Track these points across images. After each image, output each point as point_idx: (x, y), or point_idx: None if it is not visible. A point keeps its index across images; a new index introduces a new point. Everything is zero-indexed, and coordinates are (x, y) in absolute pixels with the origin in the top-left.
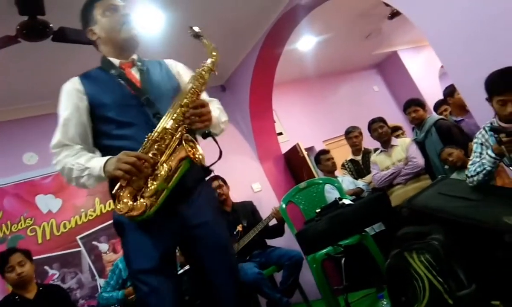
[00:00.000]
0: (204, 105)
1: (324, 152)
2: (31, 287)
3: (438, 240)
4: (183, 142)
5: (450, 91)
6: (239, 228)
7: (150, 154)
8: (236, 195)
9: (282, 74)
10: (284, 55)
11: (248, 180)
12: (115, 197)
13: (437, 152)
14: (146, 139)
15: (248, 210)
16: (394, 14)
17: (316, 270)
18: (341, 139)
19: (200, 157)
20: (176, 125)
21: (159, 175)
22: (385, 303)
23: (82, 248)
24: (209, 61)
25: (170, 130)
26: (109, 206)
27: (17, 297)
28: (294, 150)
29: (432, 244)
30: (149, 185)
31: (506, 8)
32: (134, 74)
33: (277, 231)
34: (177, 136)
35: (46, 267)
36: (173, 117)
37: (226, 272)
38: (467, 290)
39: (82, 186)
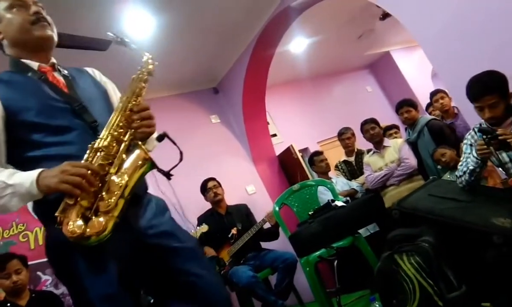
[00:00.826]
0: (148, 108)
1: (318, 153)
2: (24, 294)
3: (428, 242)
4: (139, 145)
5: (430, 99)
6: (234, 231)
7: (96, 165)
8: (231, 197)
9: (275, 76)
10: (276, 57)
11: (242, 183)
12: (57, 219)
13: (429, 153)
14: (89, 149)
15: (242, 213)
16: (386, 14)
17: (309, 273)
18: (335, 140)
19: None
20: (122, 131)
21: (113, 186)
22: (377, 305)
23: None
24: (150, 66)
25: (116, 137)
26: None
27: (9, 304)
28: (288, 151)
29: (422, 246)
30: (102, 200)
31: (496, 9)
32: (58, 78)
33: (272, 234)
34: (126, 142)
35: (39, 273)
36: (118, 123)
37: (208, 270)
38: (457, 292)
39: (2, 209)
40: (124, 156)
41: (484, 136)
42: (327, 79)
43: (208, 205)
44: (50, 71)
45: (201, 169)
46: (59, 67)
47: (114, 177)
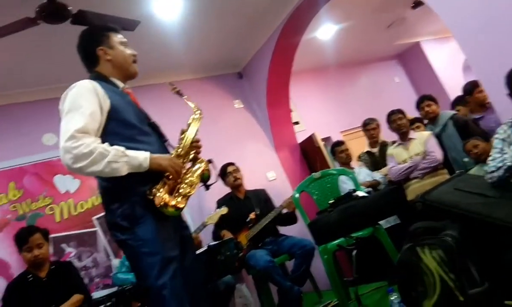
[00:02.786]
0: (199, 141)
1: (339, 143)
2: (44, 267)
3: (452, 236)
4: (205, 161)
5: (469, 89)
6: (252, 215)
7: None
8: (251, 183)
9: (300, 62)
10: (302, 43)
11: (262, 169)
12: (151, 191)
13: (454, 145)
14: (174, 152)
15: (261, 198)
16: (418, 3)
17: (327, 261)
18: (359, 130)
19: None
20: (189, 149)
21: (187, 180)
22: (395, 297)
23: (98, 228)
24: (197, 114)
25: (188, 152)
26: None
27: (30, 275)
28: (310, 140)
29: (445, 240)
30: (183, 188)
31: None
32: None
33: (290, 219)
34: (190, 157)
35: (63, 245)
36: (189, 144)
37: (202, 272)
38: (479, 288)
39: (109, 172)
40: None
41: None
42: (354, 68)
43: (226, 190)
44: (131, 93)
45: (223, 154)
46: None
47: (188, 175)
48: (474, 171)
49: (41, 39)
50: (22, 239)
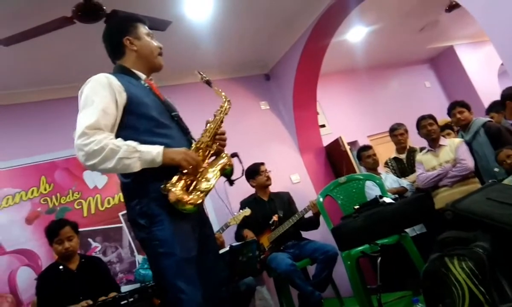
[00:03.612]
0: (225, 133)
1: (366, 148)
2: (74, 259)
3: (483, 248)
4: (227, 155)
5: (508, 95)
6: (275, 218)
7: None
8: (274, 185)
9: (328, 64)
10: (332, 45)
11: (287, 171)
12: (165, 186)
13: (485, 155)
14: (194, 145)
15: (285, 201)
16: (453, 6)
17: (350, 267)
18: (387, 135)
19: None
20: (210, 142)
21: (208, 175)
22: None
23: (123, 224)
24: (226, 105)
25: (209, 145)
26: None
27: (61, 267)
28: (336, 143)
29: (476, 251)
30: (201, 182)
31: None
32: (159, 92)
33: (312, 223)
34: (212, 150)
35: (90, 239)
36: (210, 137)
37: (224, 272)
38: (510, 304)
39: (121, 168)
40: (214, 158)
41: None
42: (384, 71)
43: (250, 190)
44: (153, 86)
45: (247, 154)
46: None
47: (208, 169)
48: (507, 181)
49: (75, 37)
50: (53, 232)
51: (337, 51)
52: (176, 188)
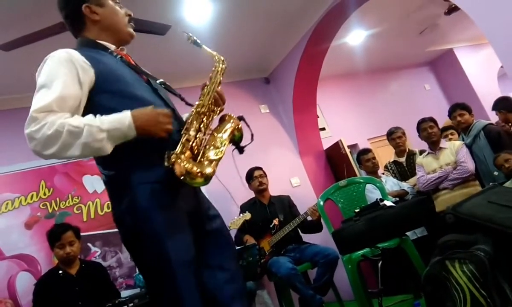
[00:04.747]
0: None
1: (365, 151)
2: (74, 264)
3: (485, 251)
4: (234, 118)
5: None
6: (275, 221)
7: (196, 123)
8: (274, 188)
9: (328, 67)
10: (331, 48)
11: (287, 174)
12: (169, 158)
13: (485, 158)
14: (194, 109)
15: (285, 204)
16: (452, 9)
17: (351, 271)
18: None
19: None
20: (213, 106)
21: (215, 141)
22: None
23: None
24: (221, 65)
25: (211, 107)
26: None
27: (60, 272)
28: (336, 146)
29: (477, 254)
30: (209, 150)
31: None
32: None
33: (315, 226)
34: (216, 114)
35: (89, 244)
36: (210, 100)
37: (237, 271)
38: None
39: (90, 154)
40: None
41: None
42: (383, 74)
43: (251, 194)
44: (127, 56)
45: (247, 158)
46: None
47: (216, 134)
48: (508, 184)
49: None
50: (55, 236)
51: (337, 54)
52: (182, 159)
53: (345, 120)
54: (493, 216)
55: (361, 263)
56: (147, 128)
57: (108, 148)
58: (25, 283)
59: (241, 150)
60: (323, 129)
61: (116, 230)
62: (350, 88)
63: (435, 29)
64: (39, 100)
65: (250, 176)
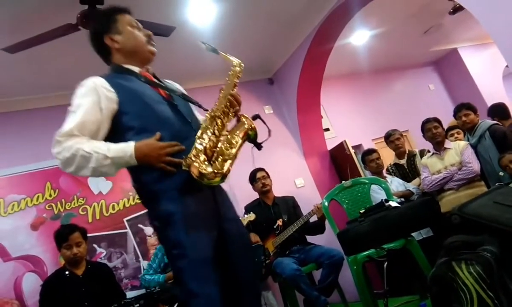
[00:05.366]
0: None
1: (370, 152)
2: (81, 265)
3: (491, 252)
4: (248, 118)
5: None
6: (279, 222)
7: (210, 127)
8: (279, 189)
9: (332, 68)
10: (335, 49)
11: (291, 175)
12: (185, 162)
13: (490, 158)
14: (208, 115)
15: (289, 205)
16: (456, 8)
17: (356, 272)
18: None
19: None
20: (227, 109)
21: (229, 142)
22: None
23: (128, 230)
24: (237, 68)
25: (225, 111)
26: None
27: (67, 272)
28: (341, 147)
29: (484, 255)
30: (223, 150)
31: None
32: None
33: (318, 228)
34: (230, 118)
35: (95, 245)
36: (225, 102)
37: (252, 271)
38: None
39: (99, 176)
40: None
41: None
42: (388, 74)
43: (255, 195)
44: (149, 75)
45: (251, 159)
46: (156, 75)
47: (230, 136)
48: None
49: (81, 44)
50: (62, 237)
51: (340, 55)
52: (198, 162)
53: (349, 121)
54: (499, 216)
55: (367, 264)
56: (146, 160)
57: (113, 172)
58: (31, 284)
59: (259, 146)
60: (327, 129)
61: (121, 231)
62: (354, 89)
63: (439, 29)
64: (65, 125)
65: (253, 178)
